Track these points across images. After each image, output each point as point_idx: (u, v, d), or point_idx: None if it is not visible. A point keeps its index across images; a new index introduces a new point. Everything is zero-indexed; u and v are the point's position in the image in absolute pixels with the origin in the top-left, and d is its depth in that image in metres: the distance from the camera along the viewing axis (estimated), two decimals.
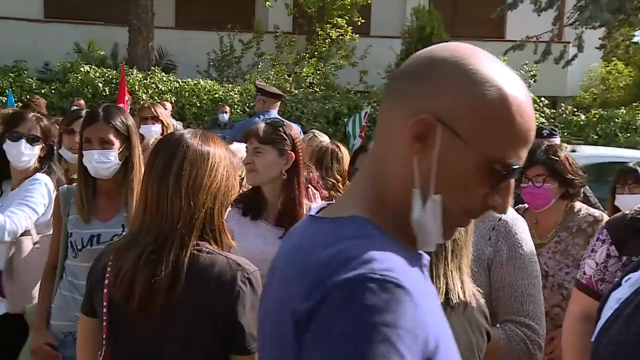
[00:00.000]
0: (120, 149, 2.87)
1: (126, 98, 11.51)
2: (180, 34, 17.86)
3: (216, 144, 1.97)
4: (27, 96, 13.99)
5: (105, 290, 1.92)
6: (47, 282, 2.96)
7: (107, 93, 14.24)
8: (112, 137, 2.85)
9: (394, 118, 1.07)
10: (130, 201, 2.82)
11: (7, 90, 13.26)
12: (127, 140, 2.90)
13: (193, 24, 18.18)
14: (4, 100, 12.94)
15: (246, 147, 2.99)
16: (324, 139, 4.37)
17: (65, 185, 3.05)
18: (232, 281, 1.85)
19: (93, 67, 14.95)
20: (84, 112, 4.11)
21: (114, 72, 14.66)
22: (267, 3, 17.32)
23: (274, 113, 6.46)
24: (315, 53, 17.68)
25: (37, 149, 3.42)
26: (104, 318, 1.93)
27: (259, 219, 2.95)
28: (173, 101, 13.77)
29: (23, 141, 3.36)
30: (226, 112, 12.55)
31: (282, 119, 3.57)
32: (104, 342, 1.95)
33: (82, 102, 11.12)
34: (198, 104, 14.83)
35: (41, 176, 3.40)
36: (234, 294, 1.84)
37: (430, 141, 1.02)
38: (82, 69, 14.75)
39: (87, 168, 2.86)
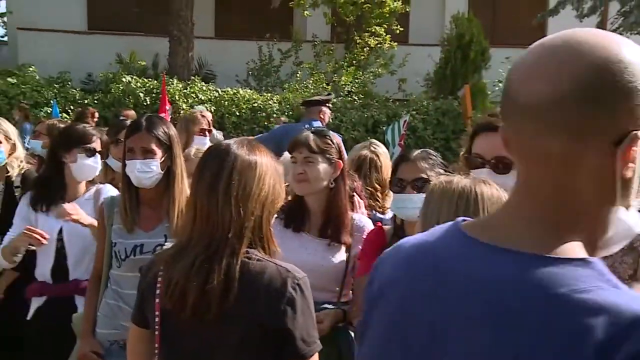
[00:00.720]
0: (162, 159, 2.88)
1: (167, 108, 11.67)
2: (220, 43, 18.02)
3: (262, 153, 1.99)
4: (72, 107, 14.29)
5: (157, 300, 1.94)
6: (93, 291, 2.99)
7: (148, 103, 14.42)
8: (154, 146, 2.87)
9: (581, 149, 0.99)
10: (171, 211, 2.84)
11: (52, 101, 13.53)
12: (169, 149, 2.91)
13: (232, 33, 18.34)
14: (48, 111, 13.20)
15: (292, 157, 2.95)
16: (383, 150, 4.33)
17: (110, 195, 3.07)
18: (282, 287, 1.85)
19: (134, 77, 15.16)
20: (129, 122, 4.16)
21: (155, 82, 14.84)
22: (306, 12, 17.38)
23: (318, 122, 6.44)
24: (354, 61, 17.66)
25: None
26: (157, 327, 1.95)
27: (301, 231, 2.93)
28: (212, 110, 13.88)
29: (98, 156, 3.42)
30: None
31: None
32: (156, 351, 1.97)
33: (130, 112, 11.27)
34: (237, 113, 14.93)
35: (109, 187, 3.47)
36: (284, 300, 1.85)
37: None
38: (123, 79, 14.97)
39: (130, 178, 2.87)
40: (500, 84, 16.85)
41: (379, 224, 3.05)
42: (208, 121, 5.56)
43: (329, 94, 7.60)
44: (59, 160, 3.39)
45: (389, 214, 3.55)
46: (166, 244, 2.71)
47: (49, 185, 3.40)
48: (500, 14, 19.92)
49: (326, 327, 2.76)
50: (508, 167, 2.36)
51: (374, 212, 3.77)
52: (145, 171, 2.84)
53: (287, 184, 2.93)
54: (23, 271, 3.89)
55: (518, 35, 18.51)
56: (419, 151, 2.88)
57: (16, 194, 3.89)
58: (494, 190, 1.89)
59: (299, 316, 1.85)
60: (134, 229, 2.87)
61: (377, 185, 3.89)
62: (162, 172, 2.89)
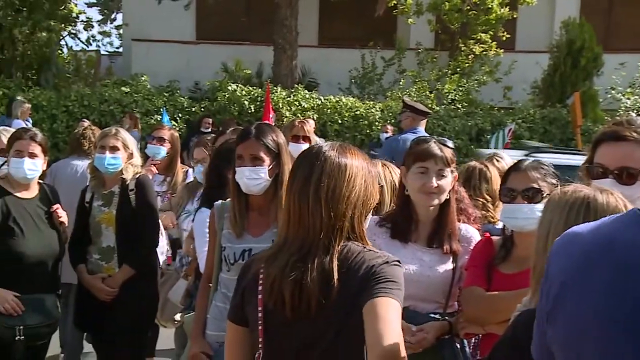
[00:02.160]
0: (271, 166, 2.91)
1: (271, 115, 11.88)
2: (323, 51, 18.18)
3: (354, 155, 2.01)
4: (180, 115, 14.78)
5: (259, 297, 1.98)
6: (203, 294, 3.08)
7: (253, 111, 14.73)
8: (262, 154, 2.90)
9: None
10: (279, 217, 2.85)
11: (161, 109, 14.06)
12: (278, 157, 2.93)
13: (335, 41, 18.46)
14: (158, 118, 13.72)
15: (420, 167, 2.85)
16: (507, 161, 4.23)
17: (220, 201, 3.13)
18: (374, 264, 1.89)
19: (239, 85, 15.52)
20: (230, 130, 4.25)
21: (259, 90, 15.14)
22: (410, 20, 17.26)
23: (421, 130, 6.35)
24: (458, 69, 17.38)
25: None
26: (260, 323, 1.99)
27: (409, 241, 2.87)
28: (315, 118, 14.01)
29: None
30: (387, 132, 12.64)
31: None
32: (259, 347, 2.00)
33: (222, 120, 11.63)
34: (339, 121, 15.00)
35: None
36: (375, 272, 1.87)
37: None
38: (229, 87, 15.35)
39: (239, 184, 2.91)
40: (612, 91, 16.15)
41: (487, 234, 2.98)
42: (306, 129, 5.56)
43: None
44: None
45: (499, 225, 3.46)
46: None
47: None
48: (614, 19, 19.05)
49: (431, 338, 2.74)
50: (633, 178, 2.27)
51: (485, 223, 3.67)
52: (254, 178, 2.88)
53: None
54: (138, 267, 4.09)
55: (634, 40, 17.68)
56: (530, 160, 2.80)
57: (131, 197, 4.10)
58: (611, 199, 1.84)
59: (383, 278, 1.86)
60: (242, 234, 2.91)
61: (487, 196, 3.79)
62: (271, 179, 2.91)
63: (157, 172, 5.26)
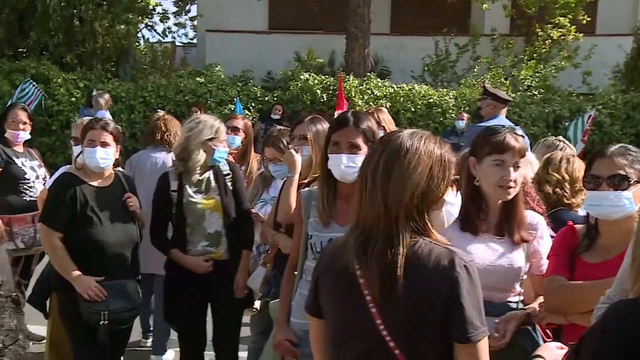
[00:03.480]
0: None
1: (346, 104, 11.85)
2: (395, 39, 18.03)
3: (424, 142, 1.93)
4: (253, 104, 14.94)
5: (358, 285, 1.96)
6: (288, 281, 3.08)
7: (325, 99, 14.74)
8: (360, 141, 2.87)
9: None
10: None
11: (235, 99, 14.23)
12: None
13: (408, 29, 18.27)
14: (232, 108, 13.90)
15: (497, 159, 2.76)
16: (571, 150, 4.09)
17: (307, 188, 3.12)
18: (450, 267, 1.84)
19: (312, 74, 15.55)
20: (307, 119, 4.23)
21: (331, 79, 15.13)
22: (484, 5, 16.90)
23: (502, 118, 6.20)
24: (534, 55, 16.93)
25: None
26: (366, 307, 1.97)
27: (479, 232, 2.80)
28: (388, 106, 13.91)
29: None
30: (462, 119, 12.48)
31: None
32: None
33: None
34: (412, 109, 14.85)
35: None
36: (452, 279, 1.83)
37: None
38: (301, 76, 15.40)
39: (329, 171, 2.89)
40: None
41: (570, 222, 2.89)
42: (381, 117, 5.50)
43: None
44: None
45: (581, 212, 3.35)
46: None
47: None
48: None
49: (512, 327, 2.69)
50: None
51: (562, 210, 3.56)
52: (351, 166, 2.83)
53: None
54: None
55: None
56: (616, 146, 2.69)
57: (227, 182, 4.19)
58: None
59: (465, 296, 1.83)
60: (329, 223, 2.89)
61: (565, 175, 3.66)
62: None
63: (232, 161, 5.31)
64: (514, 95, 15.13)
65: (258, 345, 4.33)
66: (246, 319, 4.54)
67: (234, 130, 5.35)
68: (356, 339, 1.95)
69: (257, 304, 4.31)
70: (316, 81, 15.21)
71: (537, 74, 16.23)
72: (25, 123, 5.29)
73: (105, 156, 3.90)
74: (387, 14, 19.11)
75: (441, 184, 1.92)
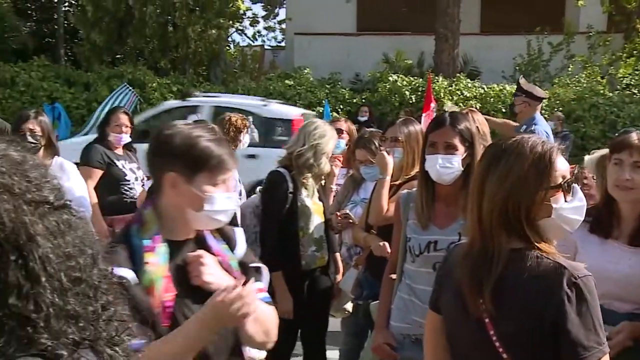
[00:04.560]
0: (464, 155, 2.82)
1: (432, 105, 11.71)
2: (486, 39, 17.69)
3: (522, 146, 1.85)
4: (341, 106, 15.00)
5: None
6: (387, 284, 3.05)
7: (414, 101, 14.62)
8: (457, 142, 2.82)
9: None
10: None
11: (323, 101, 14.32)
12: (471, 146, 2.84)
13: (498, 28, 17.88)
14: (320, 110, 13.99)
15: (615, 159, 2.67)
16: None
17: (406, 190, 3.10)
18: (557, 285, 1.75)
19: (400, 76, 15.46)
20: (399, 121, 4.19)
21: (420, 80, 15.01)
22: (580, 2, 16.33)
23: (540, 119, 5.94)
24: (634, 52, 16.22)
25: None
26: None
27: (609, 237, 2.68)
28: (478, 107, 13.65)
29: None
30: (554, 120, 12.15)
31: None
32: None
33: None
34: (503, 110, 14.51)
35: None
36: (557, 297, 1.74)
37: None
38: (390, 78, 15.34)
39: (427, 173, 2.85)
40: None
41: None
42: (475, 118, 5.38)
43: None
44: None
45: None
46: (460, 241, 2.66)
47: None
48: None
49: (622, 338, 2.54)
50: None
51: None
52: (447, 166, 2.79)
53: None
54: None
55: None
56: None
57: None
58: None
59: (573, 320, 1.73)
60: (428, 225, 2.85)
61: None
62: (462, 169, 2.82)
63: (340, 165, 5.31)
64: (611, 94, 14.56)
65: (349, 347, 4.32)
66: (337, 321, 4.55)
67: (338, 133, 5.33)
68: (471, 348, 1.92)
69: (349, 306, 4.30)
70: (404, 82, 15.11)
71: (636, 72, 15.56)
72: (127, 126, 5.48)
73: None
74: (477, 14, 18.77)
75: (540, 190, 1.82)
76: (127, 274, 1.75)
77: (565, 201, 1.86)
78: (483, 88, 14.87)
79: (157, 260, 1.86)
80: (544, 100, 6.07)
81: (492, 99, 14.64)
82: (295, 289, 4.04)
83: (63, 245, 1.09)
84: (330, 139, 4.10)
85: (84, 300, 1.10)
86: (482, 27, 18.88)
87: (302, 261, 4.09)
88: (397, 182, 3.69)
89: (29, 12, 21.21)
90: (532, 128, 5.61)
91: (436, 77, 14.60)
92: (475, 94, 14.75)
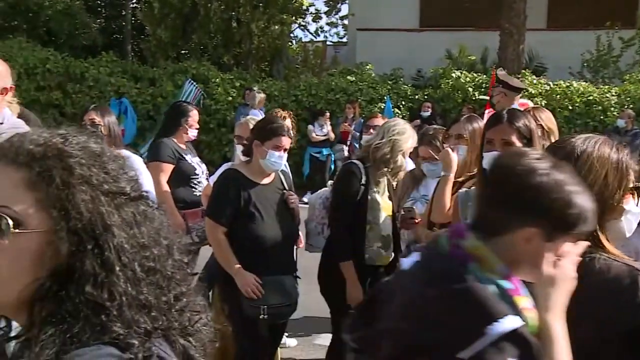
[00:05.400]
0: None
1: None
2: (552, 34, 17.27)
3: (598, 147, 1.81)
4: (403, 102, 14.90)
5: None
6: None
7: (477, 97, 14.40)
8: (514, 139, 2.79)
9: None
10: None
11: (385, 97, 14.26)
12: (529, 143, 2.80)
13: (566, 23, 17.44)
14: (382, 107, 13.93)
15: None
16: None
17: (464, 189, 3.07)
18: (633, 291, 1.69)
19: (463, 72, 15.25)
20: (463, 117, 4.14)
21: (484, 76, 14.76)
22: None
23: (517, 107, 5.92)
24: None
25: None
26: None
27: None
28: (543, 104, 13.34)
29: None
30: (624, 118, 11.81)
31: None
32: None
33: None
34: (570, 107, 14.16)
35: None
36: (635, 306, 1.68)
37: None
38: (452, 74, 15.14)
39: (485, 171, 2.80)
40: None
41: None
42: (543, 117, 5.27)
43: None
44: None
45: None
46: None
47: None
48: None
49: None
50: None
51: None
52: None
53: None
54: None
55: None
56: None
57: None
58: None
59: None
60: None
61: None
62: None
63: None
64: None
65: None
66: None
67: (370, 128, 5.35)
68: None
69: None
70: (468, 79, 14.90)
71: None
72: (196, 122, 5.58)
73: (284, 161, 4.09)
74: (543, 8, 18.34)
75: (617, 192, 1.78)
76: (518, 322, 1.47)
77: (637, 205, 1.82)
78: (549, 85, 14.52)
79: (529, 305, 1.56)
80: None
81: (558, 96, 14.28)
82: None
83: (138, 236, 1.12)
84: (409, 137, 4.14)
85: (157, 291, 1.12)
86: (549, 22, 18.44)
87: (365, 255, 4.12)
88: (459, 180, 3.66)
89: (99, 9, 21.78)
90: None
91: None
92: (540, 90, 14.41)
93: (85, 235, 1.08)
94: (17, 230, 1.07)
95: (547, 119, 5.14)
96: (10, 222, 1.06)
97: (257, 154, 4.02)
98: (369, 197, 4.16)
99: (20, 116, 3.81)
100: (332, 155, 13.29)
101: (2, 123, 3.49)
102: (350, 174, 4.22)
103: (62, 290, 1.07)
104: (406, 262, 1.73)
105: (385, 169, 4.15)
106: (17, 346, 1.13)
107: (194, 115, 5.52)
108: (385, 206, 4.22)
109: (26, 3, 18.08)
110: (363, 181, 4.14)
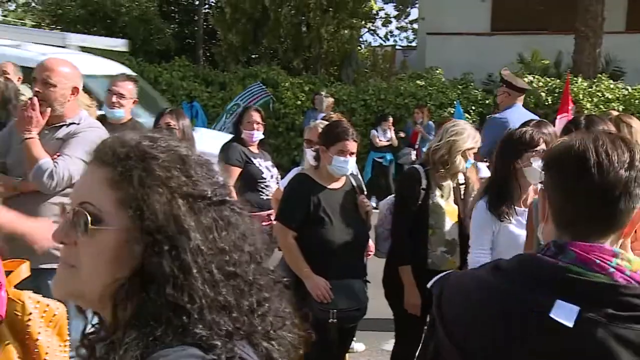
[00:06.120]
0: None
1: (570, 107, 11.20)
2: (632, 38, 16.72)
3: None
4: (473, 107, 14.69)
5: None
6: None
7: (550, 102, 14.06)
8: None
9: None
10: None
11: (455, 102, 14.08)
12: None
13: None
14: (451, 111, 13.77)
15: None
16: None
17: (536, 197, 3.01)
18: None
19: (536, 76, 14.92)
20: (532, 123, 4.07)
21: (557, 81, 14.41)
22: None
23: (519, 107, 6.13)
24: None
25: None
26: None
27: None
28: (620, 110, 12.92)
29: None
30: None
31: None
32: None
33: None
34: None
35: None
36: None
37: None
38: (525, 79, 14.82)
39: None
40: None
41: None
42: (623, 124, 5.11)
43: None
44: (509, 165, 3.51)
45: None
46: None
47: (504, 190, 3.54)
48: None
49: None
50: None
51: None
52: None
53: None
54: None
55: None
56: None
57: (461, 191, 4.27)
58: None
59: None
60: None
61: None
62: None
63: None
64: None
65: None
66: None
67: None
68: None
69: None
70: (540, 83, 14.57)
71: None
72: (258, 123, 5.63)
73: (352, 165, 4.09)
74: (622, 10, 17.77)
75: None
76: None
77: None
78: (627, 89, 14.05)
79: None
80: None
81: (637, 101, 13.81)
82: (419, 286, 4.04)
83: (217, 240, 1.13)
84: (468, 137, 4.08)
85: (237, 294, 1.12)
86: (627, 24, 17.86)
87: (428, 259, 4.09)
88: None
89: (173, 15, 22.33)
90: (502, 116, 6.04)
91: (575, 78, 13.95)
92: (617, 95, 13.96)
93: (159, 237, 1.09)
94: (95, 227, 1.10)
95: (638, 125, 4.71)
96: (89, 219, 1.10)
97: (323, 159, 4.03)
98: (431, 201, 4.13)
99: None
100: (394, 160, 13.21)
101: (78, 123, 3.62)
102: (411, 178, 4.22)
103: (142, 292, 1.09)
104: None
105: (443, 171, 4.11)
106: (102, 347, 1.15)
107: (251, 117, 5.58)
108: (449, 210, 4.17)
109: (104, 10, 18.71)
110: (424, 185, 4.13)
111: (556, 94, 13.90)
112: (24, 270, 1.84)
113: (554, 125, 4.61)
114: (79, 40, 10.52)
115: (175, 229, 1.10)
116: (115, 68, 9.27)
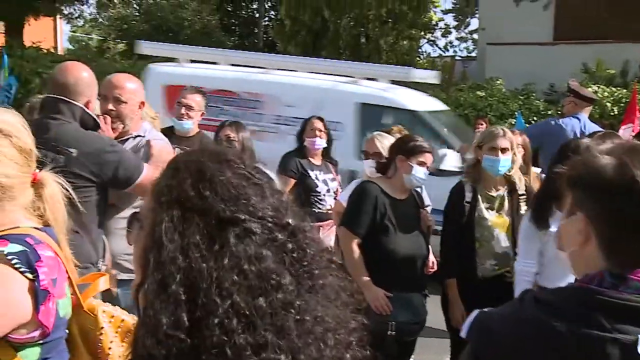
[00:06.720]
0: None
1: (638, 117, 10.88)
2: None
3: None
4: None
5: None
6: None
7: (616, 113, 13.71)
8: None
9: None
10: None
11: (516, 113, 13.86)
12: None
13: None
14: (512, 122, 13.55)
15: None
16: None
17: None
18: None
19: (601, 86, 14.57)
20: (595, 135, 4.01)
21: (624, 91, 14.04)
22: None
23: (583, 116, 6.11)
24: None
25: None
26: None
27: None
28: None
29: None
30: None
31: None
32: None
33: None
34: None
35: None
36: None
37: None
38: (589, 89, 14.49)
39: None
40: None
41: None
42: None
43: None
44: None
45: None
46: None
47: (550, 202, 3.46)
48: None
49: None
50: None
51: None
52: None
53: None
54: None
55: None
56: None
57: (521, 202, 4.18)
58: None
59: None
60: None
61: None
62: None
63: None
64: None
65: None
66: None
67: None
68: None
69: None
70: (606, 93, 14.21)
71: None
72: (321, 131, 5.67)
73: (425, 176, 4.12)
74: None
75: None
76: None
77: None
78: None
79: None
80: None
81: None
82: (469, 298, 4.02)
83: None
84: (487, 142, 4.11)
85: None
86: None
87: (478, 273, 4.05)
88: None
89: (233, 27, 22.70)
90: (562, 122, 6.16)
91: None
92: None
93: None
94: None
95: None
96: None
97: (401, 168, 4.03)
98: (477, 214, 4.10)
99: None
100: None
101: (143, 136, 3.73)
102: (455, 192, 4.23)
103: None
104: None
105: (487, 183, 4.12)
106: None
107: (313, 125, 5.63)
108: (497, 222, 4.12)
109: (167, 24, 19.16)
110: (468, 198, 4.10)
111: (622, 104, 13.54)
112: (101, 283, 1.91)
113: None
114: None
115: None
116: (432, 103, 9.62)
